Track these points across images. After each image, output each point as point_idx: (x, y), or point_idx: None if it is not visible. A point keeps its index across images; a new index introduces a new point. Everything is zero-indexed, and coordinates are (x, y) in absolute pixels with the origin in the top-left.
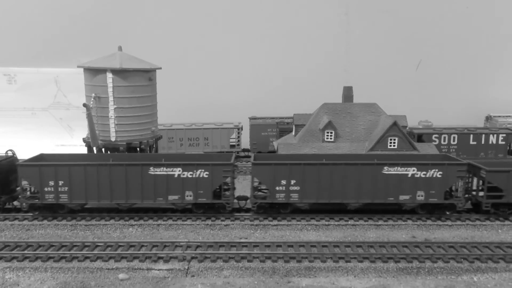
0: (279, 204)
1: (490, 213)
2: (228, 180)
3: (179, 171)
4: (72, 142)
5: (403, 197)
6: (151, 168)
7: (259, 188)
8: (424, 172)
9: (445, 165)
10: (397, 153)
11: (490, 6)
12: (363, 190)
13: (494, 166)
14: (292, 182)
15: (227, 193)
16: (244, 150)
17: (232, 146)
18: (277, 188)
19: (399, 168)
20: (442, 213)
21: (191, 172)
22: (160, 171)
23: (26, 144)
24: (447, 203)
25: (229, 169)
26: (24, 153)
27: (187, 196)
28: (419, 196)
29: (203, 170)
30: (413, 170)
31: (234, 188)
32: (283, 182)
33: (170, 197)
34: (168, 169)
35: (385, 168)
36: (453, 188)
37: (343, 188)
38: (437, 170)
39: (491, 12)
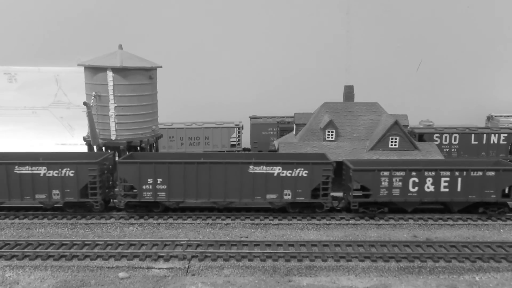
0: (150, 203)
1: (359, 213)
2: (96, 179)
3: (45, 169)
4: (72, 141)
5: (270, 196)
6: (16, 166)
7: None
8: (290, 171)
9: (310, 164)
10: (273, 153)
11: (491, 5)
12: (230, 189)
13: (361, 165)
14: (159, 180)
15: (97, 191)
16: (245, 149)
17: (233, 146)
18: (144, 186)
19: (264, 167)
20: (312, 212)
21: (56, 171)
22: (25, 170)
23: (26, 143)
24: (316, 202)
25: (95, 167)
26: None
27: (54, 195)
28: (286, 195)
29: (68, 169)
30: (279, 169)
31: (110, 187)
32: (150, 180)
33: (37, 196)
34: (34, 167)
35: (251, 167)
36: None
37: (210, 186)
38: (302, 169)
39: (492, 12)
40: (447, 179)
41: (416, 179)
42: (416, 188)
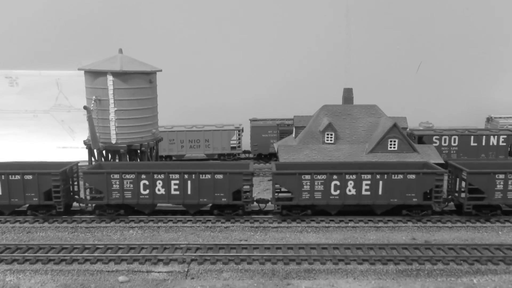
0: None
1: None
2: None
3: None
4: (73, 145)
5: None
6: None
7: None
8: None
9: None
10: None
11: (490, 7)
12: None
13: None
14: None
15: None
16: (245, 151)
17: (233, 148)
18: None
19: None
20: None
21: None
22: None
23: (27, 146)
24: None
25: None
26: (25, 156)
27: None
28: None
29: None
30: None
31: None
32: None
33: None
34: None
35: None
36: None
37: None
38: None
39: (491, 13)
40: None
41: None
42: None
